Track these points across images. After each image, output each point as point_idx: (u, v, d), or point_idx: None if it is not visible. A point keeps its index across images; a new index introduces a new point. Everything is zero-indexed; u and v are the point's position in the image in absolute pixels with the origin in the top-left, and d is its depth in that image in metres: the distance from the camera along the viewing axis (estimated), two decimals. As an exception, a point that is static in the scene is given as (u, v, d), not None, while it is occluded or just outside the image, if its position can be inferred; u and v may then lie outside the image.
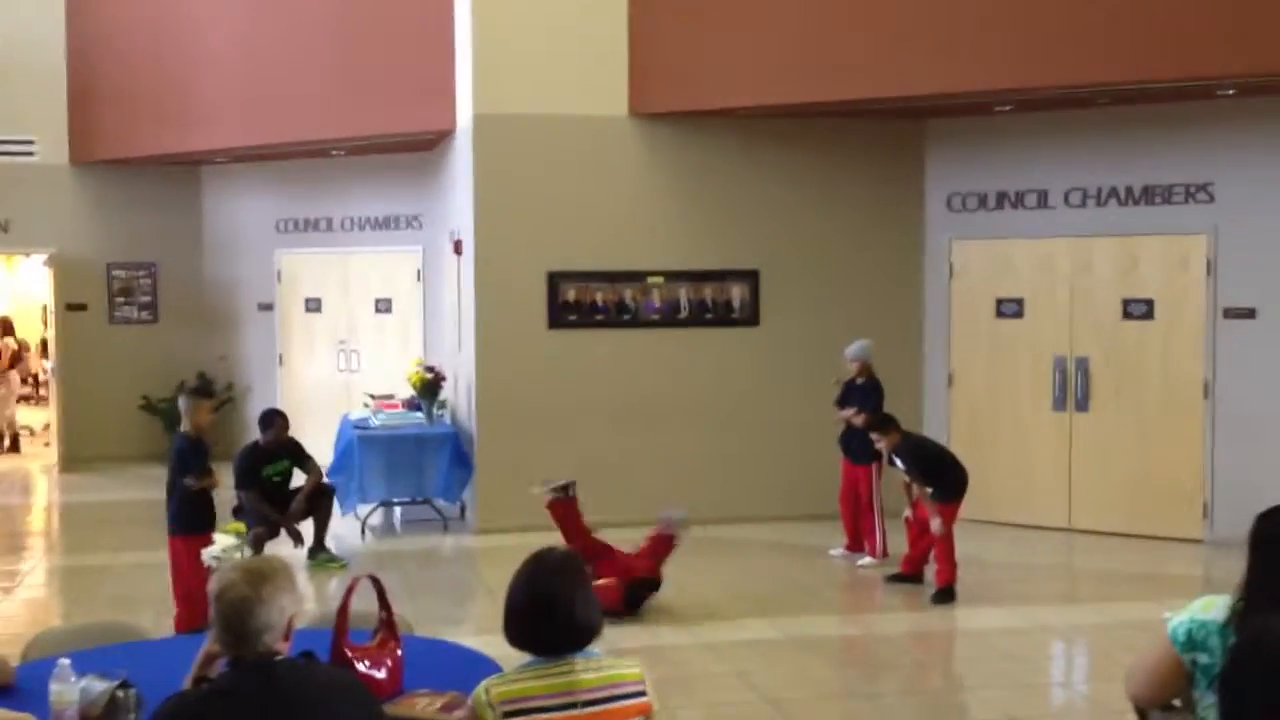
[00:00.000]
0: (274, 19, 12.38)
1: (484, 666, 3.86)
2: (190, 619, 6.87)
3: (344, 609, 3.89)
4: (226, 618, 3.02)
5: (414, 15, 11.39)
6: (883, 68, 9.50)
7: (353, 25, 11.75)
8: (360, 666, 3.77)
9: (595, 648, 3.24)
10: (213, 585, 3.08)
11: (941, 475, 8.39)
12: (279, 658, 3.06)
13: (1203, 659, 3.23)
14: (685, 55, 10.23)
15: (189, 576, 7.02)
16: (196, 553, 7.00)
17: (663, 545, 8.13)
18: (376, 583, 4.11)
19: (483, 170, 10.29)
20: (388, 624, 3.97)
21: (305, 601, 8.21)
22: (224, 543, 4.21)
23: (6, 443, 15.34)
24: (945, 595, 8.29)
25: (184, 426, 7.36)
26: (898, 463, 8.55)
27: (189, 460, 7.22)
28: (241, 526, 4.75)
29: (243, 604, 3.00)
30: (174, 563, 7.21)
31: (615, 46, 10.33)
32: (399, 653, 3.89)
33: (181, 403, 7.44)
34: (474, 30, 10.25)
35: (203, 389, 7.58)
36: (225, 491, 9.42)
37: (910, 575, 8.68)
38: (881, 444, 8.67)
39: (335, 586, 8.90)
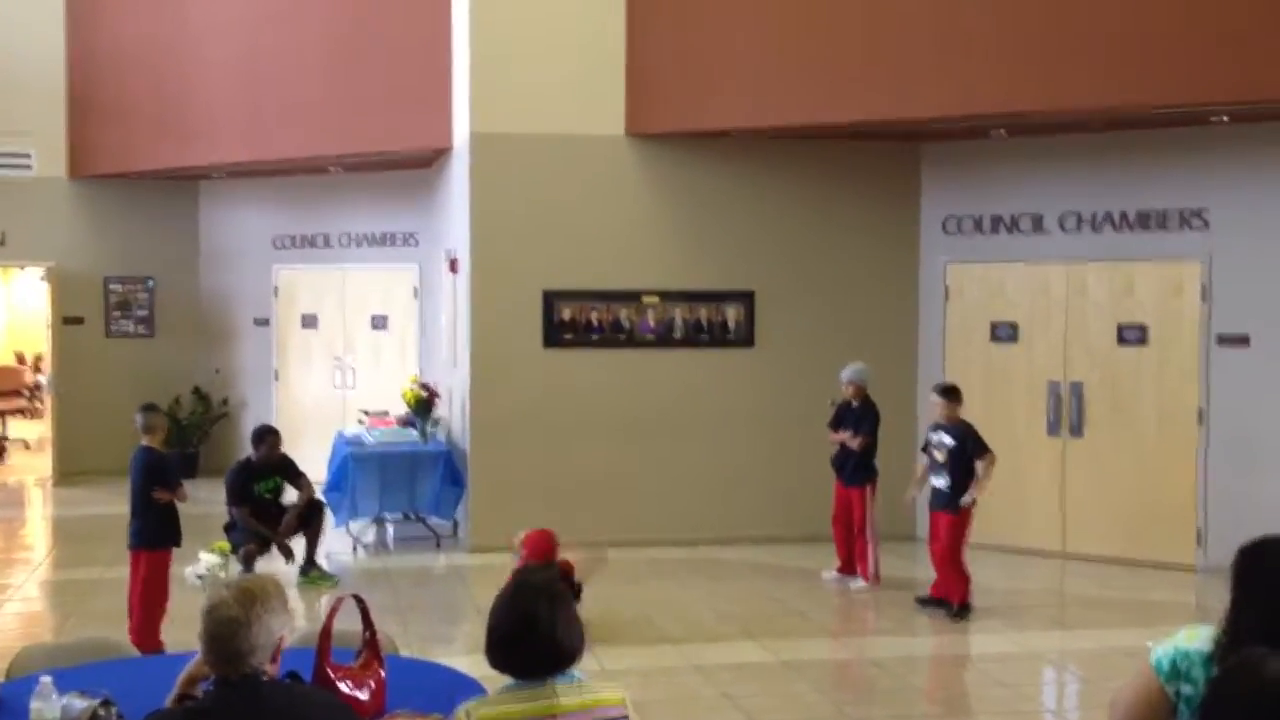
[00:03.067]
0: (273, 35, 12.42)
1: (467, 688, 3.85)
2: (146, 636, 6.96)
3: (327, 629, 3.88)
4: (214, 636, 3.02)
5: (412, 33, 11.43)
6: (879, 91, 9.54)
7: (351, 43, 11.79)
8: (343, 687, 3.76)
9: (578, 670, 3.23)
10: (203, 603, 3.08)
11: (970, 475, 8.42)
12: (264, 678, 3.05)
13: (1186, 689, 3.22)
14: (682, 76, 10.26)
15: (150, 593, 7.09)
16: (160, 569, 7.13)
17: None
18: (360, 602, 4.10)
19: (479, 188, 10.31)
20: (371, 644, 3.96)
21: (296, 619, 8.22)
22: (209, 560, 4.21)
23: None
24: (964, 611, 8.33)
25: (148, 441, 7.31)
26: (945, 438, 8.47)
27: (159, 472, 7.24)
28: (226, 545, 4.74)
29: (231, 624, 3.00)
30: (145, 577, 7.24)
31: (612, 67, 10.36)
32: (382, 673, 3.88)
33: (142, 418, 7.35)
34: (472, 49, 10.28)
35: (155, 405, 7.68)
36: (217, 507, 9.45)
37: (939, 599, 8.63)
38: (939, 409, 8.58)
39: (326, 604, 8.87)
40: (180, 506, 7.35)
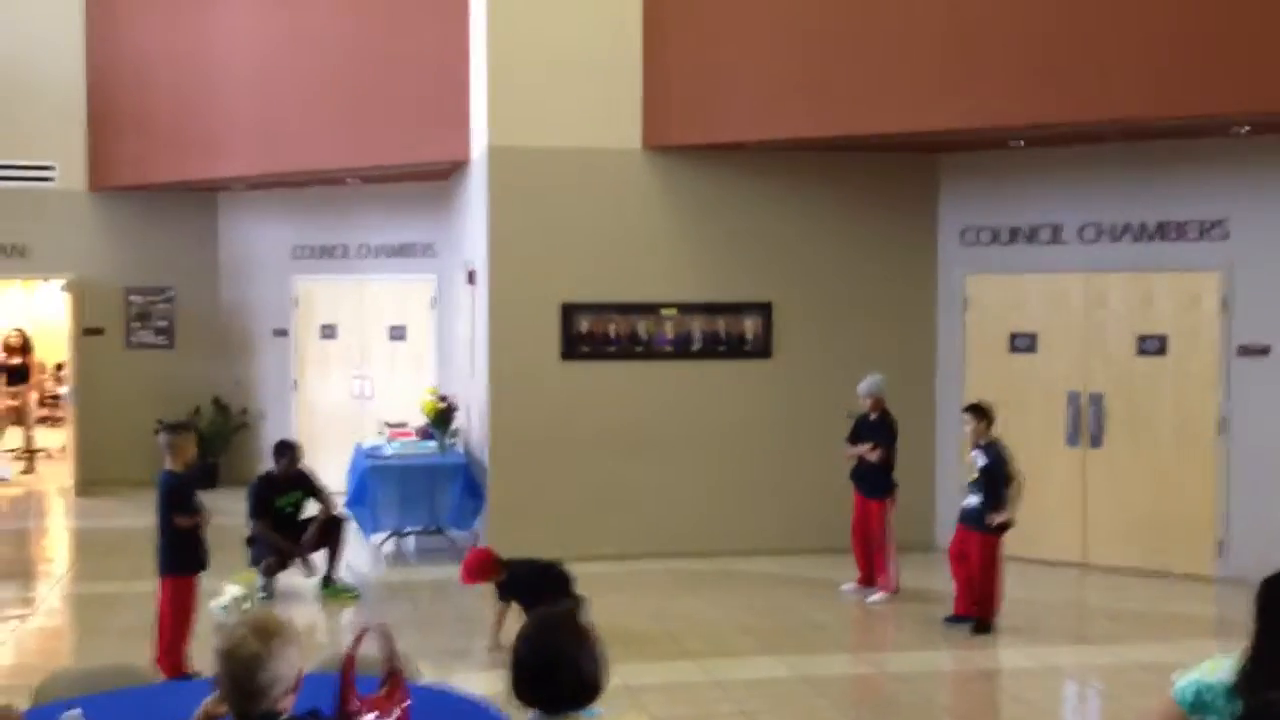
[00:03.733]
0: (292, 48, 12.47)
1: None
2: (171, 659, 6.96)
3: (350, 660, 3.89)
4: (235, 675, 3.03)
5: (430, 46, 11.46)
6: (897, 102, 9.52)
7: (370, 55, 11.83)
8: (367, 718, 3.77)
9: (600, 705, 3.23)
10: (220, 643, 3.10)
11: (1001, 499, 8.40)
12: (284, 716, 3.07)
13: (1209, 721, 3.22)
14: (699, 89, 10.27)
15: (176, 617, 7.07)
16: (186, 593, 7.05)
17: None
18: (385, 634, 4.09)
19: (497, 201, 10.34)
20: (395, 674, 3.97)
21: (317, 634, 8.26)
22: (233, 592, 4.22)
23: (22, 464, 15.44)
24: (985, 627, 8.31)
25: (170, 464, 7.07)
26: (979, 456, 8.46)
27: (179, 498, 7.06)
28: (251, 576, 4.71)
29: (253, 660, 3.01)
30: (170, 602, 7.15)
31: (629, 80, 10.38)
32: (406, 704, 3.89)
33: (165, 439, 7.10)
34: (489, 62, 10.30)
35: (186, 423, 7.40)
36: (237, 519, 9.49)
37: (964, 616, 8.59)
38: (969, 428, 8.58)
39: (348, 618, 8.92)
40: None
